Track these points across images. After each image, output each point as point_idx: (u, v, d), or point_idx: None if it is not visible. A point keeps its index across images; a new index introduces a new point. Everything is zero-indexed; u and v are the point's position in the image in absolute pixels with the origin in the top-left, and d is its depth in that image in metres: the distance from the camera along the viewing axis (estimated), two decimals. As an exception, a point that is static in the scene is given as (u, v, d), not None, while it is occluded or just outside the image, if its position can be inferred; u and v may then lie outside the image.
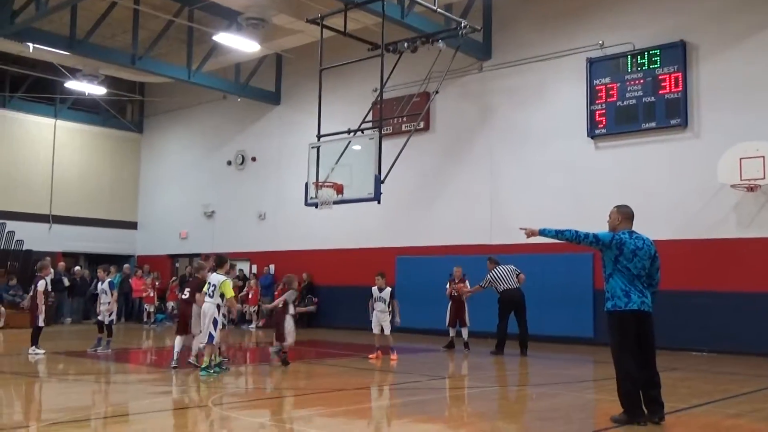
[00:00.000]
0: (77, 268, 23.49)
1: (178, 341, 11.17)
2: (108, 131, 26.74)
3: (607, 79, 16.15)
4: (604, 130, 16.19)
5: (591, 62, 16.40)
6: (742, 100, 14.58)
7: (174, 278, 22.68)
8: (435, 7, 13.99)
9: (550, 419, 7.41)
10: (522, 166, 17.48)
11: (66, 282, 21.70)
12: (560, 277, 16.12)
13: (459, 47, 15.11)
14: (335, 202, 13.23)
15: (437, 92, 15.67)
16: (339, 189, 13.03)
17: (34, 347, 12.78)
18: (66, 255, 24.48)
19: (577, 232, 7.12)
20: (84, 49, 19.04)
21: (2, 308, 19.78)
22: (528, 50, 17.50)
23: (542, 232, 7.23)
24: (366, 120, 15.13)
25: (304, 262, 21.12)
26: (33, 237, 23.81)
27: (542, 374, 11.71)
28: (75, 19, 18.56)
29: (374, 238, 19.74)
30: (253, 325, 20.61)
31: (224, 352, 11.53)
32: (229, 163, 24.34)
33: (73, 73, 22.04)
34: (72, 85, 22.39)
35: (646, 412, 6.87)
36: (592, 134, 16.35)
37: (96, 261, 24.31)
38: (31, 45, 19.34)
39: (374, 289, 12.95)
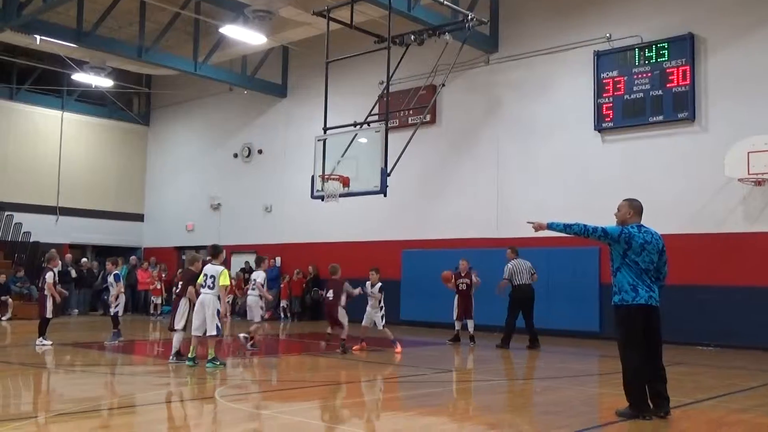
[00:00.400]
0: (84, 260, 23.60)
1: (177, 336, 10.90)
2: (115, 123, 26.80)
3: (615, 73, 16.08)
4: (611, 124, 16.14)
5: (598, 55, 16.33)
6: (750, 94, 14.50)
7: (180, 270, 22.72)
8: (442, 0, 13.95)
9: (555, 413, 7.41)
10: (528, 160, 17.45)
11: (73, 273, 21.80)
12: (566, 271, 16.10)
13: (466, 40, 15.08)
14: (341, 195, 13.25)
15: (444, 85, 15.65)
16: (345, 182, 13.04)
17: (41, 338, 12.85)
18: (73, 247, 24.58)
19: (585, 225, 7.09)
20: (91, 41, 19.07)
21: (10, 299, 19.88)
22: (535, 43, 17.44)
23: (550, 226, 7.20)
24: (372, 113, 15.12)
25: (309, 254, 21.17)
26: (40, 229, 23.89)
27: (547, 368, 11.71)
28: (82, 11, 18.60)
29: (380, 232, 19.75)
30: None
31: (259, 340, 12.26)
32: (236, 155, 24.36)
33: (80, 65, 22.06)
34: (79, 77, 22.45)
35: (651, 406, 6.86)
36: (599, 128, 16.29)
37: (103, 253, 24.46)
38: (38, 37, 19.39)
39: (367, 284, 12.98)
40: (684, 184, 15.11)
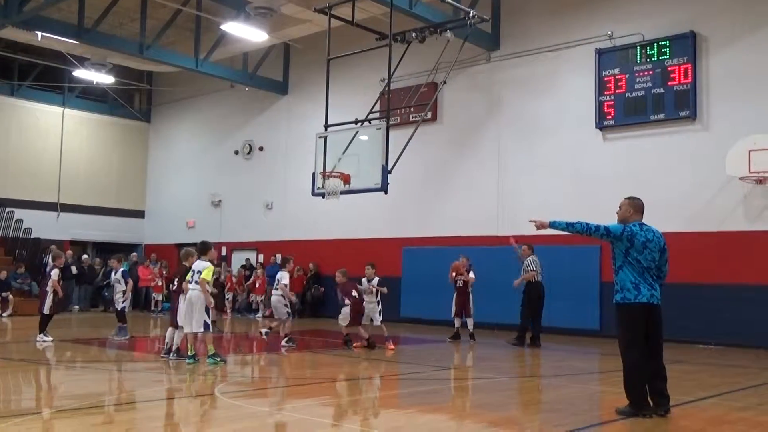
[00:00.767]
0: (85, 256, 23.60)
1: (170, 333, 10.83)
2: (116, 120, 26.80)
3: (616, 70, 16.06)
4: (612, 122, 16.12)
5: (600, 53, 16.31)
6: (752, 93, 14.48)
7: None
8: (443, -3, 13.93)
9: (556, 411, 7.41)
10: (530, 157, 17.43)
11: (75, 270, 21.80)
12: (567, 269, 16.07)
13: (467, 37, 15.04)
14: (342, 193, 13.22)
15: (445, 82, 15.62)
16: (346, 179, 13.01)
17: (41, 335, 12.86)
18: (73, 243, 24.57)
19: (587, 224, 7.09)
20: (92, 38, 19.05)
21: (10, 296, 19.89)
22: (536, 41, 17.42)
23: (552, 225, 7.20)
24: (373, 110, 15.10)
25: (310, 251, 21.17)
26: (41, 225, 23.91)
27: (548, 366, 11.72)
28: (83, 7, 18.59)
29: (381, 229, 19.74)
30: (260, 315, 20.67)
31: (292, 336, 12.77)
32: (237, 152, 24.36)
33: (82, 61, 22.06)
34: (80, 73, 22.43)
35: (651, 404, 6.86)
36: (600, 126, 16.28)
37: (103, 249, 24.47)
38: (39, 33, 19.35)
39: (363, 280, 12.93)
40: (685, 183, 15.10)
